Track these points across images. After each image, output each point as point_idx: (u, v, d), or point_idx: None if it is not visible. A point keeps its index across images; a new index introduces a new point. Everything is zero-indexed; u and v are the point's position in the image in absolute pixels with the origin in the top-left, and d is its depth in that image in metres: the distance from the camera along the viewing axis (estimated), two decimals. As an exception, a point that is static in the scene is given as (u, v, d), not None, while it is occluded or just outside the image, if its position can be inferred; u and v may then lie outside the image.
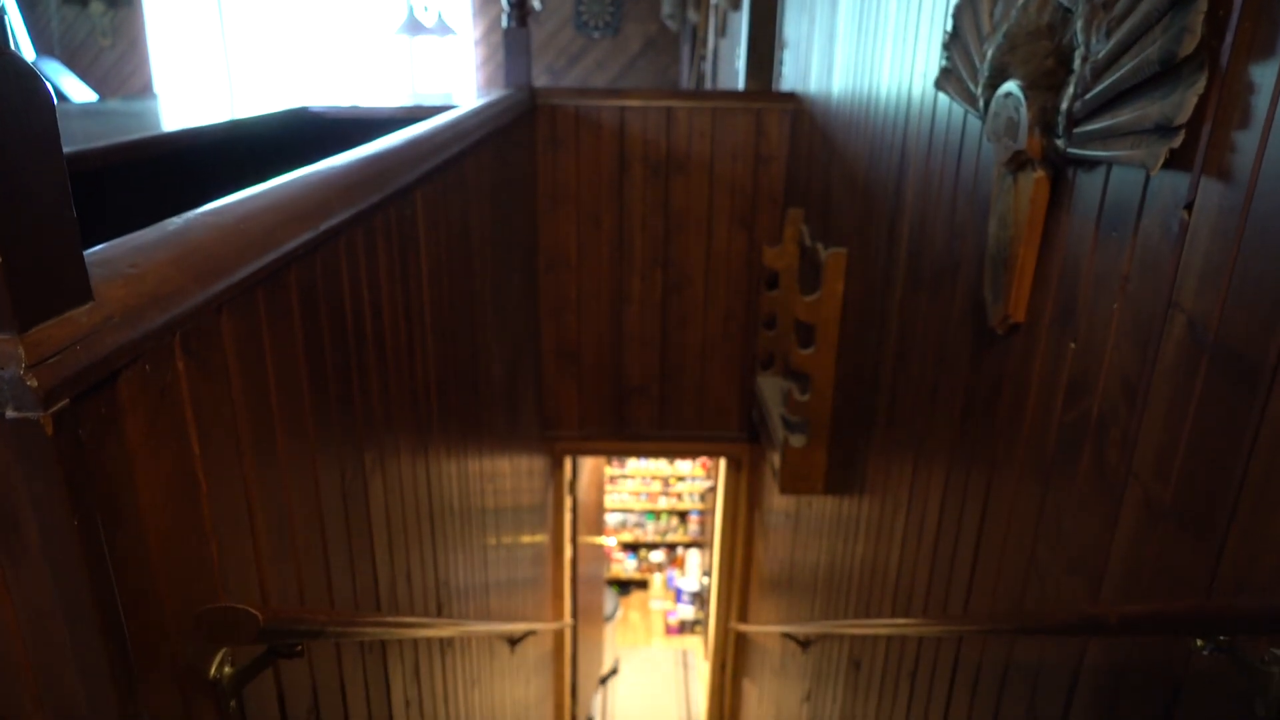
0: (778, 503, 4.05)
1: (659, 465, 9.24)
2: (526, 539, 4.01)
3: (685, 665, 7.66)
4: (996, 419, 1.61)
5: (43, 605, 0.72)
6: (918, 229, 2.13)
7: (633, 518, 9.30)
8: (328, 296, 1.31)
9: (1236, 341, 0.94)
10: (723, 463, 4.94)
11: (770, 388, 3.76)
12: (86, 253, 0.80)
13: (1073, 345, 1.32)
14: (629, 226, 4.12)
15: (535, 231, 4.04)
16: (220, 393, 0.97)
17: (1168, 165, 1.06)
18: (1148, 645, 1.13)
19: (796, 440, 3.12)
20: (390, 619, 1.60)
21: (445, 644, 2.28)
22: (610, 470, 9.15)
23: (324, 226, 1.25)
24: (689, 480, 9.26)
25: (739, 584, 5.13)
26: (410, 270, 1.80)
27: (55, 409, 0.67)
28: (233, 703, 0.99)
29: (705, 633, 7.45)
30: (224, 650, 0.97)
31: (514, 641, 3.63)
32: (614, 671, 7.48)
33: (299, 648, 1.05)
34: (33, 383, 0.65)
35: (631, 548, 9.28)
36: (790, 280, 3.62)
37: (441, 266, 2.08)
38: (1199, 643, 0.94)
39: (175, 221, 1.00)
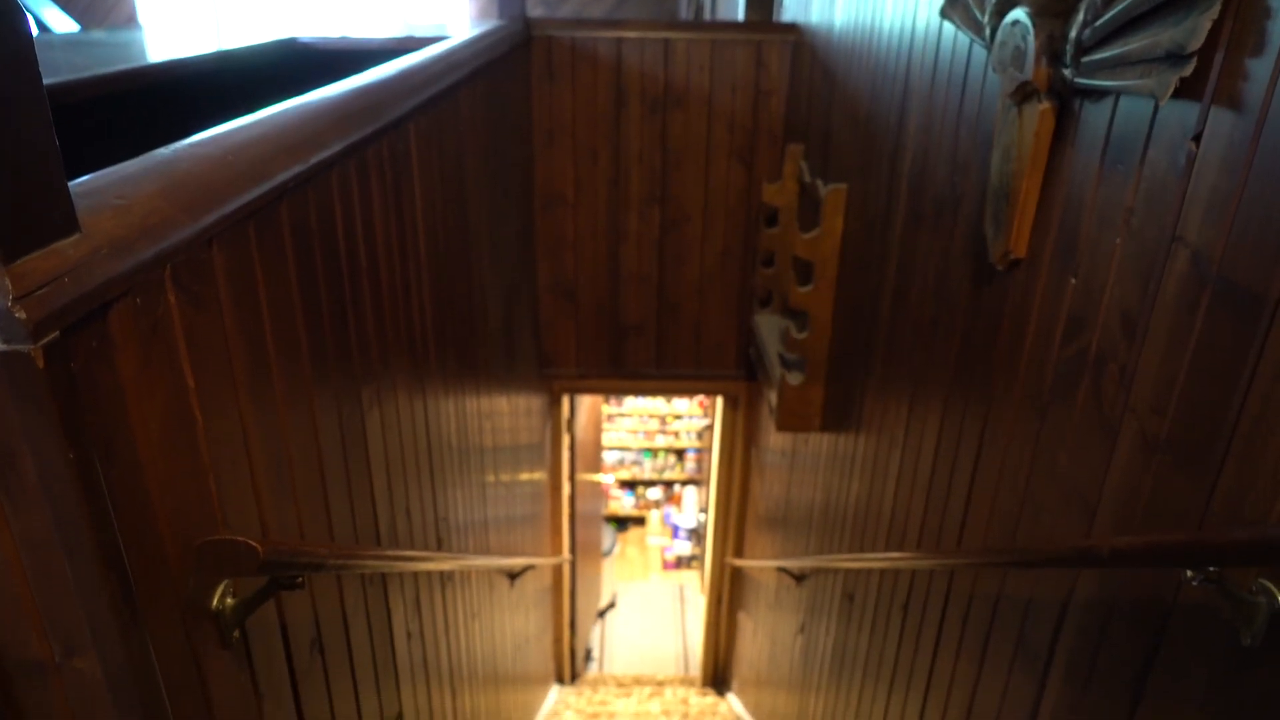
0: (774, 440, 4.08)
1: (656, 404, 9.29)
2: (525, 476, 4.05)
3: (682, 599, 7.81)
4: (994, 355, 1.61)
5: (42, 538, 0.73)
6: (919, 164, 2.09)
7: (630, 456, 9.38)
8: (321, 231, 1.29)
9: (1240, 275, 0.93)
10: (720, 401, 4.96)
11: (768, 325, 3.75)
12: (72, 184, 0.78)
13: (1073, 280, 1.31)
14: (626, 162, 4.06)
15: (531, 168, 3.99)
16: (213, 327, 0.96)
17: (1177, 95, 1.04)
18: (1137, 578, 1.15)
19: (794, 378, 3.13)
20: (390, 553, 1.62)
21: (445, 577, 2.32)
22: (608, 409, 9.20)
23: (315, 159, 1.23)
24: (686, 419, 9.32)
25: (735, 520, 5.20)
26: (405, 206, 1.77)
27: (45, 341, 0.67)
28: (236, 633, 1.00)
29: (702, 568, 7.59)
30: (225, 582, 0.98)
31: (513, 576, 3.69)
32: (612, 605, 7.62)
33: (300, 580, 1.06)
34: (21, 315, 0.64)
35: (629, 485, 9.38)
36: (789, 217, 3.58)
37: (436, 202, 2.05)
38: (1189, 574, 0.96)
39: (163, 152, 0.98)
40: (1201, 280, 1.00)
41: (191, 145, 1.02)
